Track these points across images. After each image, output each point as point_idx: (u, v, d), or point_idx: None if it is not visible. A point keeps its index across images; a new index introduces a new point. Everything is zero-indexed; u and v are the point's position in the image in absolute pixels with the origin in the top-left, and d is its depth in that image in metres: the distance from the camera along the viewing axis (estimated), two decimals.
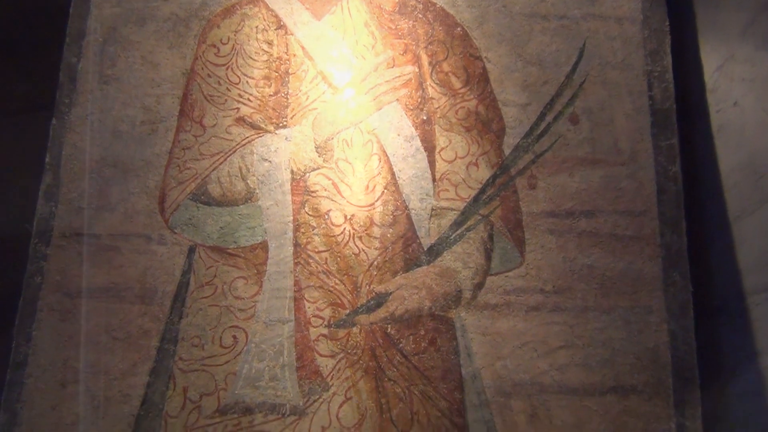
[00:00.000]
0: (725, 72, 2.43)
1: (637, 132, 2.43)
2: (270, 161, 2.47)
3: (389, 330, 2.31)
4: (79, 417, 2.24)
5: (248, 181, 2.46)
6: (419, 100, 2.50)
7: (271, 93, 2.53)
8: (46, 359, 2.30)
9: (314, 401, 2.25)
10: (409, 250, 2.38)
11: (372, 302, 2.33)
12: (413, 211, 2.41)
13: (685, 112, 2.51)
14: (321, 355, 2.28)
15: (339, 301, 2.33)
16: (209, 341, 2.32)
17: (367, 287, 2.34)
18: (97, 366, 2.30)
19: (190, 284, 2.37)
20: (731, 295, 2.31)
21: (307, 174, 2.45)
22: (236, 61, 2.56)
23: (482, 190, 2.42)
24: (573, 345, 2.25)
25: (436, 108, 2.49)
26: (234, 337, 2.32)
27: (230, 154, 2.48)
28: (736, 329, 2.27)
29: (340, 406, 2.24)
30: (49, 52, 2.72)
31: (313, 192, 2.44)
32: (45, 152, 2.49)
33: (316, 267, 2.37)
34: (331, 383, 2.26)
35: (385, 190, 2.43)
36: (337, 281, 2.35)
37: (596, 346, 2.24)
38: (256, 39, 2.57)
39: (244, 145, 2.49)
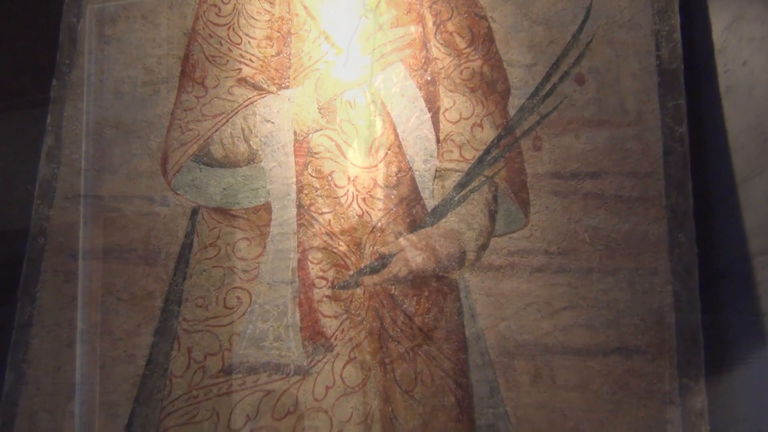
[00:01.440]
0: (734, 31, 2.39)
1: (643, 92, 2.40)
2: (273, 122, 2.45)
3: (393, 291, 2.31)
4: (84, 376, 2.26)
5: (251, 143, 2.44)
6: (423, 60, 2.47)
7: (274, 53, 2.50)
8: (50, 320, 2.32)
9: (318, 361, 2.26)
10: (413, 211, 2.37)
11: (376, 263, 2.33)
12: (417, 172, 2.39)
13: (693, 73, 2.47)
14: (325, 316, 2.29)
15: (342, 263, 2.33)
16: (213, 302, 2.32)
17: (371, 248, 2.34)
18: (101, 326, 2.31)
19: (194, 245, 2.37)
20: (736, 257, 2.30)
21: (310, 135, 2.43)
22: (238, 21, 2.53)
23: (487, 152, 2.40)
24: (577, 306, 2.25)
25: (441, 68, 2.46)
26: (238, 298, 2.32)
27: (232, 116, 2.46)
28: (740, 291, 2.27)
29: (344, 366, 2.25)
30: (43, 47, 2.71)
31: (316, 153, 2.42)
32: (41, 148, 2.47)
33: (320, 228, 2.37)
34: (335, 344, 2.27)
35: (389, 152, 2.41)
36: (340, 243, 2.35)
37: (600, 308, 2.24)
38: None
39: (247, 106, 2.47)
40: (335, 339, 2.27)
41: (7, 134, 2.90)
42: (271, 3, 2.54)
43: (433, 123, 2.43)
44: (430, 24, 2.50)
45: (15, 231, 2.57)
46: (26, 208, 2.46)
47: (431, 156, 2.40)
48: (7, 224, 2.72)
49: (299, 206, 2.38)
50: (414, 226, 2.35)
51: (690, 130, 2.38)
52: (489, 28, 2.48)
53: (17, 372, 2.29)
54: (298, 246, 2.35)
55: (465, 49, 2.47)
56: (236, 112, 2.46)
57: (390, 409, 2.21)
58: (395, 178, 2.39)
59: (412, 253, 2.33)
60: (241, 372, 2.26)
